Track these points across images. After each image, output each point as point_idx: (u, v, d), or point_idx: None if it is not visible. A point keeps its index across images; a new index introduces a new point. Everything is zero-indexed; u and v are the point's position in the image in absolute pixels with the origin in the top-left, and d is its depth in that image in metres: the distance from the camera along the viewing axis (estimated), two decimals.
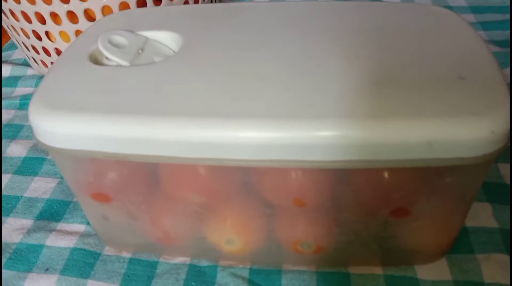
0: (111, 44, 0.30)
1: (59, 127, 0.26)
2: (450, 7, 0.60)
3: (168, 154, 0.25)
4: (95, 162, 0.28)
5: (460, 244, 0.33)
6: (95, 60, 0.30)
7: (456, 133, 0.23)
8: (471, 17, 0.59)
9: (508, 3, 0.62)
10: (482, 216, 0.35)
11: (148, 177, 0.29)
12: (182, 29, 0.31)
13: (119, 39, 0.30)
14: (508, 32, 0.56)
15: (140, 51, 0.30)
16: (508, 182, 0.38)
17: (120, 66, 0.29)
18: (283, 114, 0.24)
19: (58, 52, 0.48)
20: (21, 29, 0.47)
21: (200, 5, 0.36)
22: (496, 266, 0.32)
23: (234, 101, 0.25)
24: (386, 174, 0.26)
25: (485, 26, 0.57)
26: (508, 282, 0.31)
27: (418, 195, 0.27)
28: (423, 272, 0.32)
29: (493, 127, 0.23)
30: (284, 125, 0.24)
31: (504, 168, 0.39)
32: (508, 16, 0.59)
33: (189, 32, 0.31)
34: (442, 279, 0.32)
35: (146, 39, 0.31)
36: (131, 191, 0.29)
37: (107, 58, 0.30)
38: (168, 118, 0.25)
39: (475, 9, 0.60)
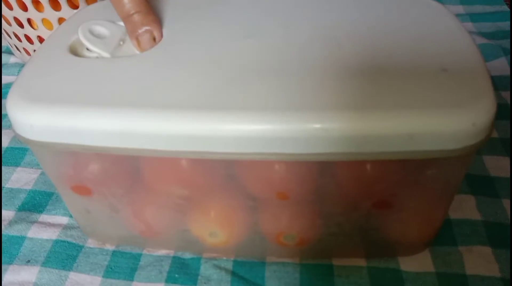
0: (92, 35, 0.29)
1: (37, 120, 0.25)
2: None
3: (149, 147, 0.25)
4: (75, 155, 0.27)
5: (443, 236, 0.34)
6: (75, 51, 0.29)
7: (437, 125, 0.23)
8: (460, 9, 0.59)
9: None
10: (466, 208, 0.35)
11: (129, 169, 0.29)
12: (165, 19, 0.31)
13: (100, 29, 0.30)
14: (497, 23, 0.55)
15: (121, 43, 0.29)
16: (492, 174, 0.38)
17: (100, 57, 0.28)
18: (264, 106, 0.24)
19: (41, 40, 0.47)
20: (2, 16, 0.46)
21: None
22: (478, 258, 0.32)
23: (215, 93, 0.25)
24: (368, 167, 0.26)
25: (474, 17, 0.57)
26: (490, 274, 0.31)
27: (401, 187, 0.27)
28: (406, 263, 0.32)
29: (475, 119, 0.23)
30: (266, 117, 0.23)
31: (488, 160, 0.39)
32: (496, 8, 0.59)
33: (172, 22, 0.30)
34: (425, 271, 0.32)
35: None
36: (112, 184, 0.29)
37: (87, 49, 0.29)
38: (149, 110, 0.24)
39: (464, 1, 0.60)
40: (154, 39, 0.29)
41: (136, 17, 0.28)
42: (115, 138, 0.25)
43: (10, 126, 0.45)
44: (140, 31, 0.28)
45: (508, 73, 0.47)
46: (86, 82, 0.26)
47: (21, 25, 0.46)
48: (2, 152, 0.42)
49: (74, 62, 0.28)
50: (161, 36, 0.29)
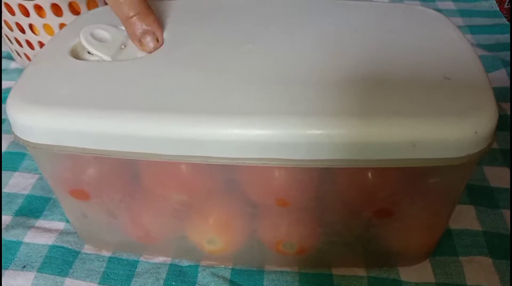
0: (94, 38, 0.29)
1: (36, 122, 0.25)
2: (439, 10, 0.60)
3: (149, 151, 0.25)
4: (73, 158, 0.27)
5: (444, 246, 0.33)
6: (76, 54, 0.29)
7: (439, 134, 0.23)
8: (459, 21, 0.59)
9: (496, 8, 0.62)
10: (466, 218, 0.35)
11: (128, 174, 0.28)
12: (167, 24, 0.31)
13: (102, 33, 0.30)
14: (495, 36, 0.56)
15: (122, 47, 0.29)
16: (492, 184, 0.38)
17: (101, 61, 0.28)
18: (266, 111, 0.24)
19: (42, 45, 0.47)
20: (4, 21, 0.46)
21: (186, 0, 0.35)
22: (478, 269, 0.32)
23: (217, 97, 0.25)
24: (370, 174, 0.26)
25: (473, 29, 0.57)
26: (490, 285, 0.31)
27: (402, 196, 0.27)
28: (407, 274, 0.32)
29: (477, 128, 0.23)
30: (268, 122, 0.23)
31: (488, 171, 0.39)
32: (495, 21, 0.59)
33: (174, 27, 0.30)
34: (425, 281, 0.32)
35: None
36: (110, 188, 0.29)
37: (88, 52, 0.29)
38: (150, 114, 0.24)
39: (463, 13, 0.61)
40: (157, 39, 0.29)
41: (137, 19, 0.28)
42: (115, 141, 0.25)
43: (8, 131, 0.45)
44: (142, 32, 0.28)
45: (507, 84, 0.47)
46: (87, 85, 0.26)
47: (22, 31, 0.46)
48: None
49: (75, 65, 0.28)
50: (162, 36, 0.29)
